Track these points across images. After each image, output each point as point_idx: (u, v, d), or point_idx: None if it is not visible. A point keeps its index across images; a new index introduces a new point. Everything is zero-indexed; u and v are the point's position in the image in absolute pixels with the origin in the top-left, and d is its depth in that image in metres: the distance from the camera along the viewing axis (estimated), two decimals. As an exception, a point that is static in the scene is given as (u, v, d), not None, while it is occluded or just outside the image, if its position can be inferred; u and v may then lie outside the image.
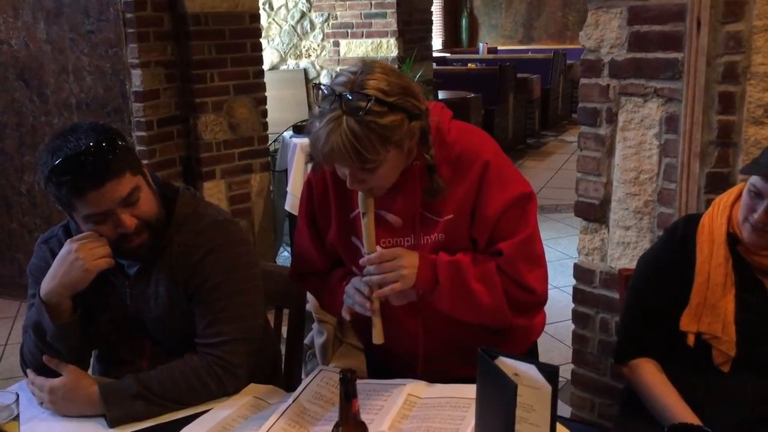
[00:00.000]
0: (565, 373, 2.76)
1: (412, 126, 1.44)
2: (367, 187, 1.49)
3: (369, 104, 1.35)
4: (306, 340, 2.66)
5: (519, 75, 8.79)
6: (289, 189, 4.33)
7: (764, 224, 1.56)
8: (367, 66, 1.42)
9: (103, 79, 3.80)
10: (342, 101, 1.36)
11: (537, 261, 1.60)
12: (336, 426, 1.25)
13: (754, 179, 1.57)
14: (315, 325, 2.67)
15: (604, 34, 2.27)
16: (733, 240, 1.65)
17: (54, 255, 1.62)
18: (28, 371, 1.64)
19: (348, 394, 1.23)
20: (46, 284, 1.58)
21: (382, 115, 1.37)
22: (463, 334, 1.63)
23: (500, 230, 1.55)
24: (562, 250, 4.90)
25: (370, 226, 1.52)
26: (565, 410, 2.68)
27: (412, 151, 1.50)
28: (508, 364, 1.18)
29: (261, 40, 4.15)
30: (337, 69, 6.00)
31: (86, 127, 1.54)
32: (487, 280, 1.54)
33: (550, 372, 1.15)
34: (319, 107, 1.40)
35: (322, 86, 1.42)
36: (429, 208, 1.57)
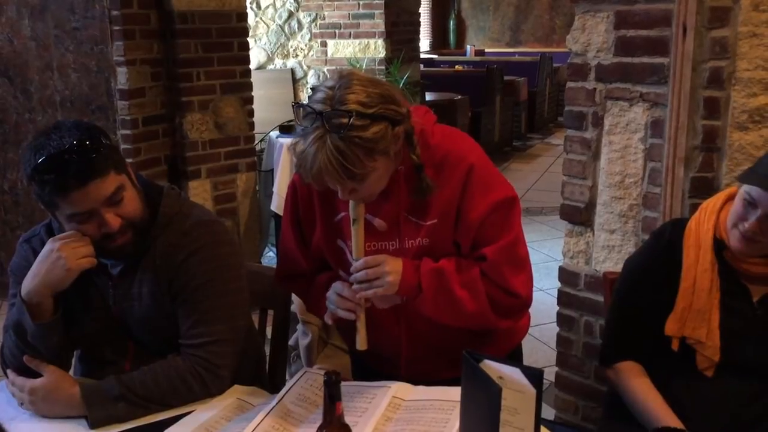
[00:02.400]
0: (549, 375, 2.76)
1: (396, 131, 1.43)
2: (359, 196, 1.49)
3: (351, 120, 1.34)
4: (290, 341, 2.65)
5: (506, 77, 8.82)
6: (275, 189, 4.32)
7: (755, 234, 1.56)
8: (344, 79, 1.41)
9: (88, 76, 3.77)
10: (323, 119, 1.35)
11: (521, 265, 1.60)
12: (320, 428, 1.24)
13: (750, 188, 1.56)
14: (300, 326, 2.66)
15: (591, 38, 2.28)
16: (719, 245, 1.66)
17: (36, 254, 1.60)
18: (9, 371, 1.62)
19: (332, 397, 1.22)
20: (28, 283, 1.56)
21: (365, 128, 1.36)
22: (446, 337, 1.63)
23: (484, 234, 1.55)
24: (547, 252, 4.92)
25: (360, 232, 1.52)
26: (548, 413, 2.68)
27: (399, 154, 1.50)
28: (492, 367, 1.18)
29: (248, 39, 4.13)
30: (325, 69, 6.00)
31: (70, 125, 1.52)
32: (470, 286, 1.54)
33: (534, 375, 1.15)
34: (302, 126, 1.39)
35: (302, 105, 1.40)
36: (413, 212, 1.57)
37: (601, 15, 2.25)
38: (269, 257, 4.88)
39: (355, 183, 1.43)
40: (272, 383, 1.91)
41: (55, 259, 1.54)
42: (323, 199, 1.62)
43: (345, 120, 1.35)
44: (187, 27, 3.77)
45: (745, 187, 1.59)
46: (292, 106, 1.41)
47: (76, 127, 1.52)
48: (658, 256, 1.74)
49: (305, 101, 1.44)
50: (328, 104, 1.37)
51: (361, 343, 1.55)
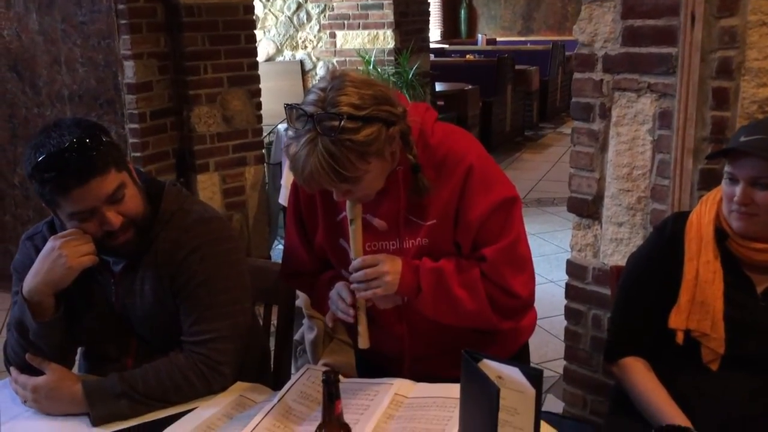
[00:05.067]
0: (559, 368, 2.75)
1: (390, 132, 1.40)
2: (355, 197, 1.47)
3: (342, 122, 1.32)
4: (296, 336, 2.65)
5: (517, 67, 8.77)
6: (282, 182, 4.29)
7: (746, 204, 1.56)
8: (336, 81, 1.38)
9: (96, 70, 3.78)
10: (315, 122, 1.33)
11: (522, 265, 1.57)
12: (319, 427, 1.24)
13: (727, 167, 1.59)
14: (305, 321, 2.66)
15: (598, 28, 2.25)
16: (721, 236, 1.64)
17: (38, 252, 1.60)
18: (12, 369, 1.63)
19: (331, 395, 1.21)
20: (29, 282, 1.56)
21: (357, 130, 1.34)
22: (449, 337, 1.62)
23: (484, 235, 1.53)
24: (558, 243, 4.89)
25: (358, 232, 1.51)
26: (557, 406, 2.67)
27: (396, 155, 1.47)
28: (491, 366, 1.16)
29: (257, 31, 4.13)
30: (334, 60, 5.98)
31: (70, 123, 1.52)
32: (470, 286, 1.53)
33: (533, 375, 1.13)
34: (294, 128, 1.37)
35: (293, 106, 1.37)
36: (413, 212, 1.55)
37: (608, 4, 2.22)
38: (278, 250, 4.88)
39: (349, 185, 1.41)
40: (277, 379, 1.90)
41: (56, 257, 1.54)
42: (325, 199, 1.60)
43: (336, 123, 1.32)
44: (193, 20, 3.77)
45: (725, 168, 1.60)
46: (285, 107, 1.39)
47: (75, 125, 1.51)
48: (661, 249, 1.72)
49: None
50: (319, 106, 1.35)
51: (362, 341, 1.54)
